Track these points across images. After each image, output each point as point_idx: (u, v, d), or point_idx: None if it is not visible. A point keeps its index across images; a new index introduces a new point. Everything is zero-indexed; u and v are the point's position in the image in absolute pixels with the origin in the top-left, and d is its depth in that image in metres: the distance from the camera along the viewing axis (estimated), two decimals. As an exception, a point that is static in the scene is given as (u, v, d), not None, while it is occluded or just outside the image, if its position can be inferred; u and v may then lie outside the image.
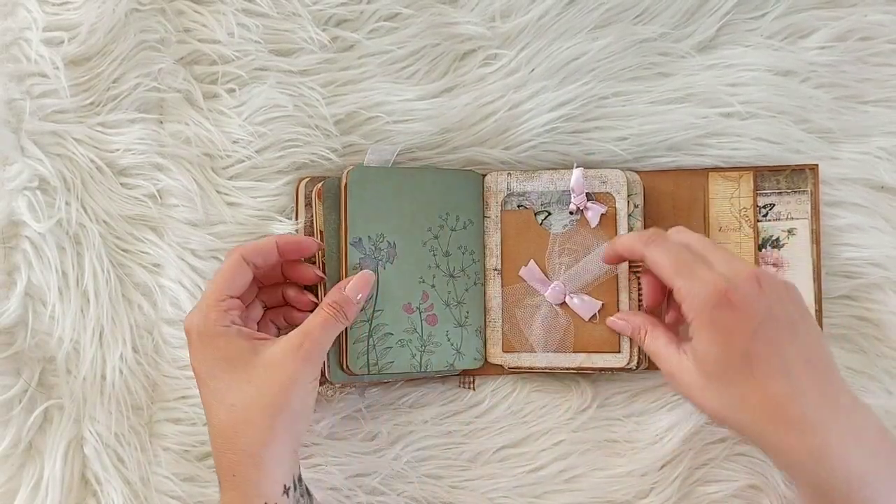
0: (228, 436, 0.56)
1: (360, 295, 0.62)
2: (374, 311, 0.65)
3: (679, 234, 0.60)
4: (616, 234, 0.65)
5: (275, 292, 0.65)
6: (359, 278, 0.62)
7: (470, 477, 0.68)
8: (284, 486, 0.56)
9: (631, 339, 0.65)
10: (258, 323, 0.64)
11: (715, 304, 0.54)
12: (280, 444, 0.56)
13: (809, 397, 0.52)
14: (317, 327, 0.59)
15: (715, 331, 0.54)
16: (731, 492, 0.68)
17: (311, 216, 0.66)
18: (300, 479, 0.59)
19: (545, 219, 0.67)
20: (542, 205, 0.67)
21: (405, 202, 0.66)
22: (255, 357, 0.57)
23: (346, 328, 0.63)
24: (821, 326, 0.66)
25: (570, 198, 0.66)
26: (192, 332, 0.58)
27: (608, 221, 0.66)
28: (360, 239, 0.64)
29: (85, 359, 0.65)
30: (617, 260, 0.64)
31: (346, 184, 0.64)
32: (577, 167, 0.66)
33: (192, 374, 0.60)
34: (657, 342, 0.59)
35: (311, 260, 0.64)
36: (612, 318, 0.64)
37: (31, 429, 0.65)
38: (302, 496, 0.59)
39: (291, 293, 0.65)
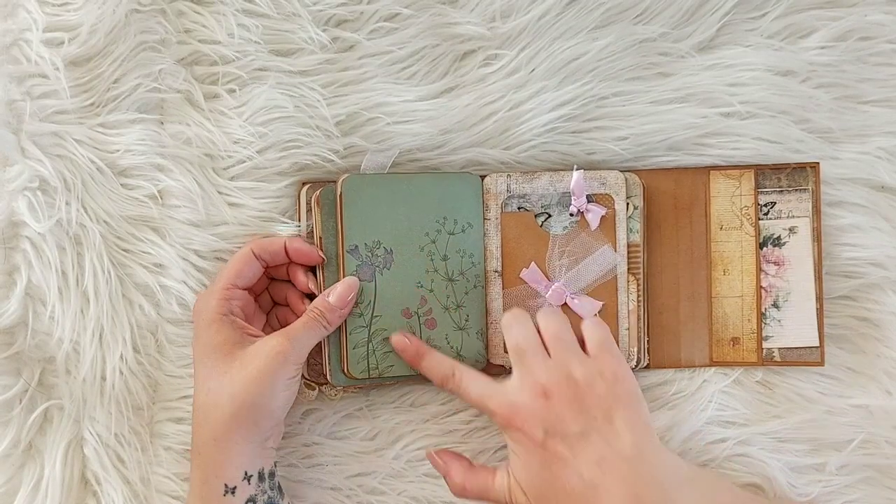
0: (200, 418, 0.61)
1: (346, 302, 0.63)
2: (372, 316, 0.65)
3: (541, 318, 0.64)
4: (615, 235, 0.65)
5: (283, 288, 0.67)
6: (343, 285, 0.64)
7: (470, 477, 0.68)
8: (246, 472, 0.60)
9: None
10: (267, 315, 0.68)
11: (506, 429, 0.61)
12: (241, 435, 0.60)
13: (610, 495, 0.57)
14: (298, 329, 0.62)
15: (515, 450, 0.60)
16: (731, 492, 0.68)
17: (312, 222, 0.66)
18: (272, 475, 0.62)
19: (545, 221, 0.67)
20: (542, 207, 0.67)
21: (401, 208, 0.66)
22: (239, 350, 0.60)
23: (347, 334, 0.64)
24: (821, 326, 0.66)
25: (571, 200, 0.66)
26: (195, 315, 0.63)
27: (608, 223, 0.66)
28: (356, 246, 0.65)
29: (85, 359, 0.65)
30: None
31: (340, 192, 0.64)
32: (577, 169, 0.66)
33: (192, 373, 0.63)
34: (476, 479, 0.63)
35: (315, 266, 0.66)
36: (433, 458, 0.65)
37: (31, 429, 0.65)
38: (271, 489, 0.62)
39: (292, 297, 0.66)
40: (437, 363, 0.64)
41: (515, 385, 0.61)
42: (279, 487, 0.63)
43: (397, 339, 0.65)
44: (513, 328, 0.63)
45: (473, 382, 0.62)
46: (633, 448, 0.59)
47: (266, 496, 0.61)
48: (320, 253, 0.64)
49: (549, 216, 0.67)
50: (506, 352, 0.67)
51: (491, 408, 0.61)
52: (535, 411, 0.59)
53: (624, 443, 0.59)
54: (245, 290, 0.64)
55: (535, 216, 0.67)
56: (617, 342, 0.66)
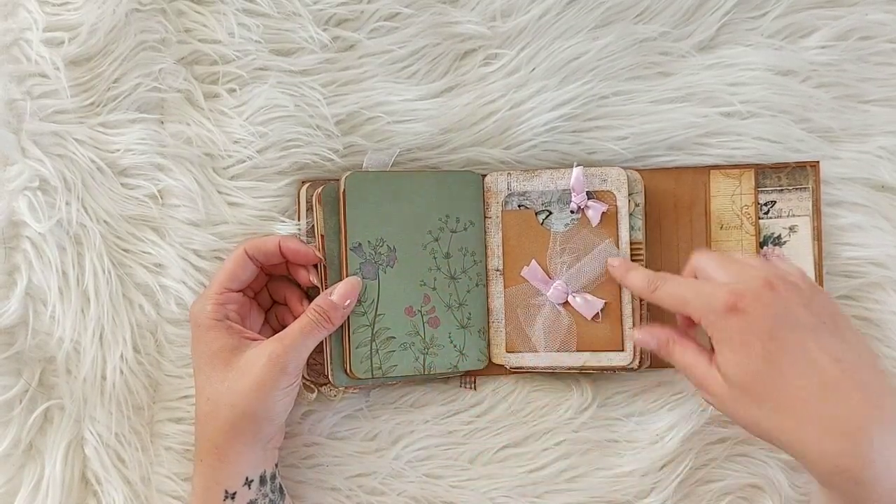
0: (201, 425, 0.61)
1: (348, 301, 0.63)
2: (375, 315, 0.65)
3: (698, 257, 0.58)
4: (617, 232, 0.65)
5: (282, 287, 0.66)
6: (346, 284, 0.63)
7: (470, 477, 0.68)
8: (247, 478, 0.60)
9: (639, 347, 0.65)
10: (266, 312, 0.67)
11: (724, 315, 0.52)
12: (241, 443, 0.60)
13: (848, 398, 0.49)
14: (296, 332, 0.61)
15: (731, 340, 0.52)
16: (731, 492, 0.68)
17: (313, 220, 0.66)
18: (273, 477, 0.62)
19: (546, 218, 0.67)
20: (542, 204, 0.67)
21: (404, 206, 0.66)
22: (236, 356, 0.60)
23: (350, 333, 0.64)
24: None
25: (571, 197, 0.66)
26: (192, 321, 0.62)
27: (609, 220, 0.66)
28: (359, 244, 0.64)
29: (85, 359, 0.65)
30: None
31: (343, 190, 0.64)
32: (577, 166, 0.66)
33: (193, 374, 0.63)
34: (685, 355, 0.57)
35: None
36: (636, 334, 0.60)
37: (32, 429, 0.65)
38: (273, 492, 0.62)
39: (291, 298, 0.66)
40: (637, 276, 0.60)
41: (734, 277, 0.54)
42: (280, 489, 0.63)
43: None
44: (663, 286, 0.58)
45: (675, 283, 0.57)
46: (867, 357, 0.52)
47: (267, 499, 0.61)
48: (317, 252, 0.64)
49: (550, 213, 0.67)
50: (508, 351, 0.67)
51: (702, 291, 0.54)
52: (764, 297, 0.52)
53: (858, 350, 0.52)
54: (240, 291, 0.64)
55: (536, 214, 0.67)
56: (620, 342, 0.66)
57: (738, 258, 0.58)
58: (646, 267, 0.66)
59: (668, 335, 0.58)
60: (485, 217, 0.68)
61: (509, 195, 0.68)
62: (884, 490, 0.48)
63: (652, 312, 0.67)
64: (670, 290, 0.57)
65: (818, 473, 0.50)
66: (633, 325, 0.65)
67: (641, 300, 0.66)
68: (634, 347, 0.65)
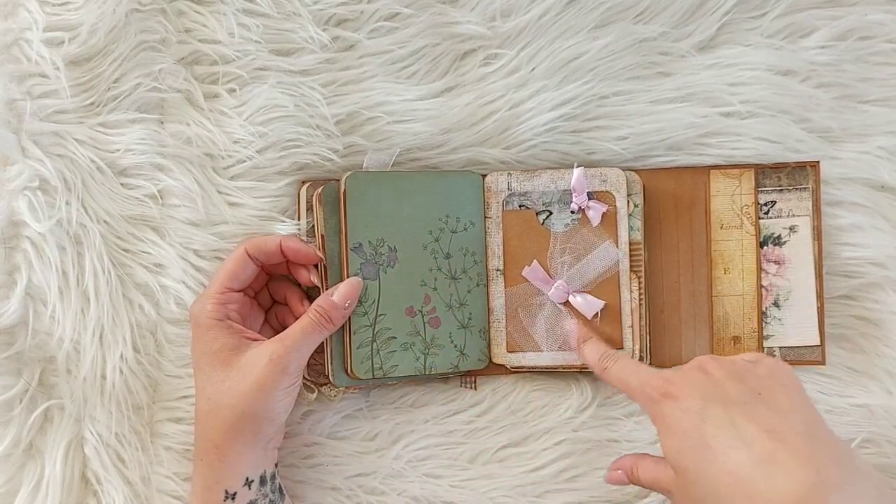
0: (201, 425, 0.60)
1: (349, 301, 0.63)
2: (376, 315, 0.65)
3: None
4: (616, 233, 0.65)
5: (282, 287, 0.66)
6: (347, 285, 0.63)
7: (470, 476, 0.68)
8: (247, 478, 0.60)
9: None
10: (266, 312, 0.67)
11: (659, 401, 0.52)
12: (242, 443, 0.60)
13: (788, 470, 0.46)
14: (297, 333, 0.61)
15: (667, 425, 0.51)
16: (732, 491, 0.68)
17: (313, 220, 0.66)
18: (273, 477, 0.62)
19: (546, 218, 0.67)
20: (543, 204, 0.67)
21: (404, 206, 0.66)
22: (237, 357, 0.60)
23: (351, 333, 0.64)
24: (822, 325, 0.66)
25: (571, 197, 0.66)
26: (192, 321, 0.62)
27: (609, 220, 0.66)
28: (360, 244, 0.64)
29: (85, 359, 0.65)
30: None
31: (344, 190, 0.64)
32: (577, 166, 0.66)
33: (193, 373, 0.63)
34: (647, 470, 0.56)
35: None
36: (609, 475, 0.59)
37: (32, 429, 0.65)
38: (273, 492, 0.62)
39: (291, 298, 0.66)
40: (591, 349, 0.62)
41: (667, 369, 0.55)
42: (280, 489, 0.63)
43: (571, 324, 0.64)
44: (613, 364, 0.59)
45: (620, 365, 0.58)
46: (805, 426, 0.49)
47: (267, 499, 0.61)
48: (318, 252, 0.64)
49: (551, 214, 0.67)
50: (509, 350, 0.67)
51: (640, 379, 0.54)
52: (693, 380, 0.52)
53: (794, 419, 0.49)
54: (241, 291, 0.64)
55: (537, 214, 0.67)
56: (620, 341, 0.66)
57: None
58: (645, 268, 0.66)
59: (632, 461, 0.57)
60: (485, 217, 0.68)
61: (510, 195, 0.68)
62: None
63: (652, 313, 0.67)
64: (616, 372, 0.58)
65: None
66: (632, 325, 0.65)
67: (641, 300, 0.66)
68: (634, 347, 0.65)
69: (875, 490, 0.47)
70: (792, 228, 0.67)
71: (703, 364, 0.53)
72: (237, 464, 0.60)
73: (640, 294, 0.66)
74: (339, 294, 0.62)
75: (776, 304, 0.67)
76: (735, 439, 0.48)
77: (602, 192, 0.66)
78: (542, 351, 0.67)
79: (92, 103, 0.66)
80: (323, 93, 0.67)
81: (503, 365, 0.68)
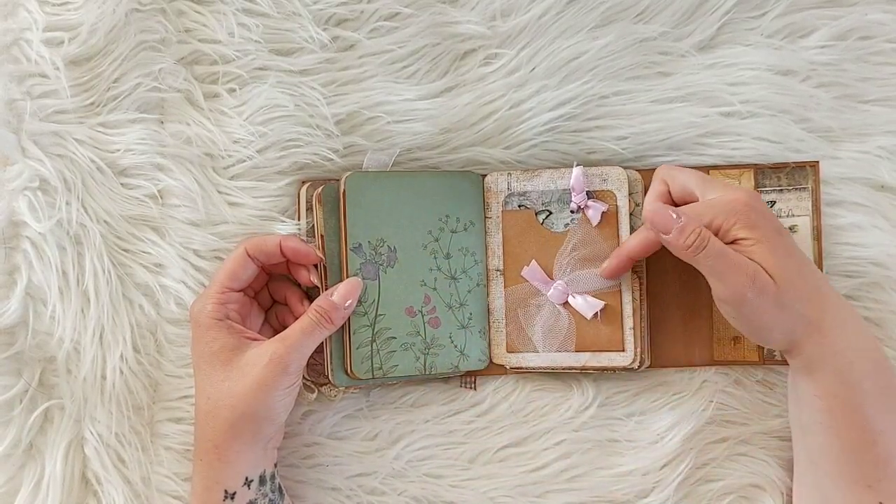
0: (201, 425, 0.60)
1: (349, 301, 0.63)
2: (376, 315, 0.65)
3: (666, 171, 0.63)
4: (617, 231, 0.65)
5: (282, 287, 0.66)
6: (347, 285, 0.63)
7: (471, 476, 0.68)
8: (247, 478, 0.60)
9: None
10: (266, 311, 0.67)
11: (746, 215, 0.57)
12: (241, 443, 0.60)
13: (829, 289, 0.59)
14: (297, 333, 0.61)
15: (761, 240, 0.56)
16: (731, 491, 0.68)
17: (313, 220, 0.66)
18: (273, 477, 0.62)
19: (546, 218, 0.67)
20: (542, 204, 0.67)
21: (404, 206, 0.66)
22: (237, 356, 0.60)
23: (351, 333, 0.64)
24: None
25: (571, 196, 0.66)
26: (192, 321, 0.62)
27: (609, 219, 0.66)
28: (359, 244, 0.64)
29: (85, 359, 0.65)
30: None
31: (343, 190, 0.64)
32: (576, 165, 0.66)
33: (193, 373, 0.63)
34: (720, 244, 0.57)
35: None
36: (647, 209, 0.60)
37: (32, 429, 0.65)
38: (272, 492, 0.62)
39: (291, 298, 0.66)
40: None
41: (728, 191, 0.59)
42: (279, 489, 0.63)
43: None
44: (678, 171, 0.62)
45: (680, 208, 0.59)
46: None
47: (266, 499, 0.61)
48: (318, 252, 0.64)
49: (550, 213, 0.67)
50: (508, 351, 0.67)
51: (727, 199, 0.58)
52: (764, 205, 0.59)
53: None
54: (241, 291, 0.64)
55: (536, 214, 0.67)
56: (620, 341, 0.66)
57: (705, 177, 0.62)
58: (645, 268, 0.66)
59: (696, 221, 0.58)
60: (485, 217, 0.68)
61: (509, 195, 0.68)
62: (835, 339, 0.57)
63: (652, 313, 0.67)
64: (686, 174, 0.62)
65: (790, 337, 0.58)
66: (633, 325, 0.65)
67: (641, 301, 0.66)
68: (635, 347, 0.65)
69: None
70: (792, 228, 0.67)
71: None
72: (237, 463, 0.60)
73: (640, 294, 0.66)
74: (339, 294, 0.62)
75: (776, 304, 0.67)
76: (798, 257, 0.59)
77: (603, 191, 0.66)
78: (539, 352, 0.67)
79: (92, 103, 0.66)
80: (323, 93, 0.67)
81: (503, 365, 0.68)
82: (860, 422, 0.56)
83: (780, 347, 0.59)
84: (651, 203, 0.60)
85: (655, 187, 0.63)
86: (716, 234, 0.57)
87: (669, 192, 0.62)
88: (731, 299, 0.57)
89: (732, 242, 0.57)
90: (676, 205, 0.61)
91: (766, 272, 0.56)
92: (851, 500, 0.57)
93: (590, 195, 0.66)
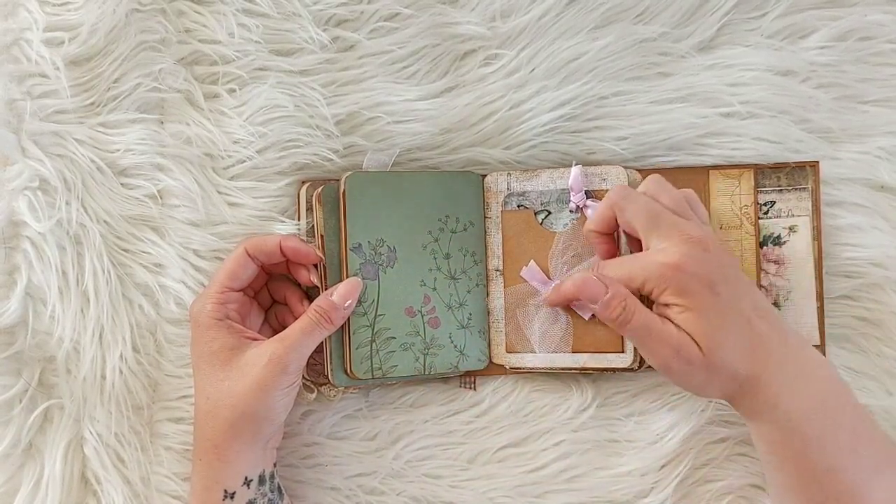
0: (201, 424, 0.60)
1: (349, 302, 0.63)
2: (376, 315, 0.65)
3: (653, 185, 0.61)
4: (618, 231, 0.65)
5: (282, 287, 0.66)
6: (346, 285, 0.63)
7: (470, 476, 0.68)
8: (246, 478, 0.60)
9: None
10: (266, 311, 0.67)
11: (672, 281, 0.56)
12: (241, 443, 0.60)
13: (769, 339, 0.57)
14: (296, 333, 0.61)
15: (689, 307, 0.56)
16: (731, 491, 0.68)
17: (313, 220, 0.66)
18: (272, 476, 0.62)
19: (545, 218, 0.67)
20: (541, 204, 0.67)
21: (404, 206, 0.66)
22: (237, 356, 0.60)
23: (350, 333, 0.64)
24: (822, 325, 0.66)
25: (570, 196, 0.66)
26: (191, 319, 0.62)
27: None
28: (359, 244, 0.65)
29: (85, 359, 0.65)
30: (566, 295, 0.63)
31: (344, 190, 0.64)
32: (575, 165, 0.66)
33: (192, 373, 0.63)
34: (645, 317, 0.58)
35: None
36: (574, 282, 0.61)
37: (32, 428, 0.65)
38: (272, 492, 0.62)
39: (291, 298, 0.66)
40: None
41: (668, 243, 0.58)
42: (279, 489, 0.63)
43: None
44: (629, 202, 0.60)
45: (613, 266, 0.60)
46: (767, 303, 0.60)
47: (266, 499, 0.61)
48: (318, 252, 0.64)
49: (549, 213, 0.67)
50: (508, 351, 0.67)
51: (659, 261, 0.57)
52: (702, 258, 0.57)
53: (764, 298, 0.60)
54: (241, 290, 0.64)
55: (535, 214, 0.67)
56: (621, 343, 0.65)
57: (664, 212, 0.60)
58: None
59: (626, 294, 0.59)
60: (485, 217, 0.68)
61: (509, 195, 0.68)
62: (770, 391, 0.56)
63: (652, 312, 0.67)
64: (609, 271, 0.60)
65: (726, 393, 0.58)
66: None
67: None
68: (634, 349, 0.65)
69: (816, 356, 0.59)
70: (791, 228, 0.67)
71: (704, 242, 0.58)
72: (236, 463, 0.60)
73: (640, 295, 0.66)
74: (339, 294, 0.62)
75: (776, 304, 0.67)
76: (737, 310, 0.57)
77: (603, 190, 0.66)
78: (536, 352, 0.67)
79: (92, 103, 0.66)
80: (323, 93, 0.67)
81: (503, 365, 0.68)
82: (804, 464, 0.56)
83: (720, 399, 0.60)
84: (581, 274, 0.60)
85: (601, 211, 0.62)
86: (648, 296, 0.58)
87: (615, 218, 0.61)
88: (658, 367, 0.58)
89: (665, 306, 0.57)
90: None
91: (695, 341, 0.56)
92: None
93: (589, 195, 0.66)
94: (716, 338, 0.56)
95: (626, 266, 0.59)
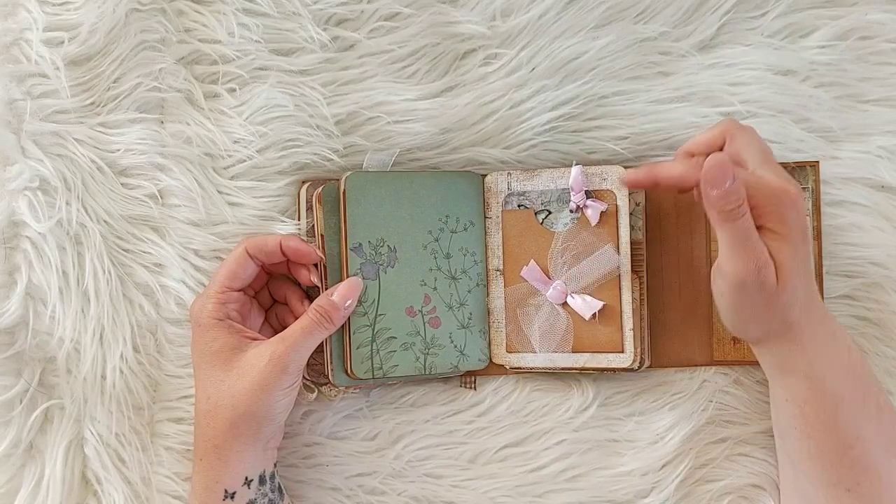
0: (201, 424, 0.60)
1: (349, 302, 0.63)
2: (376, 315, 0.65)
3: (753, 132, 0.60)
4: (617, 231, 0.65)
5: (282, 287, 0.66)
6: (347, 285, 0.63)
7: (471, 476, 0.68)
8: (246, 478, 0.60)
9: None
10: (266, 311, 0.67)
11: (779, 207, 0.55)
12: (241, 443, 0.60)
13: (818, 299, 0.58)
14: (297, 333, 0.61)
15: (784, 235, 0.55)
16: (731, 491, 0.68)
17: (313, 220, 0.66)
18: (272, 476, 0.62)
19: (546, 218, 0.67)
20: (542, 203, 0.67)
21: (404, 206, 0.66)
22: (237, 356, 0.60)
23: (351, 333, 0.64)
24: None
25: (570, 196, 0.66)
26: (192, 321, 0.62)
27: (609, 219, 0.66)
28: (360, 244, 0.64)
29: (85, 359, 0.65)
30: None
31: (344, 190, 0.64)
32: (575, 165, 0.66)
33: (193, 373, 0.63)
34: (752, 223, 0.55)
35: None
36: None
37: (32, 429, 0.65)
38: (272, 492, 0.62)
39: (291, 297, 0.66)
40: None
41: (785, 178, 0.56)
42: (279, 489, 0.63)
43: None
44: (743, 131, 0.59)
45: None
46: None
47: (266, 499, 0.61)
48: (318, 252, 0.64)
49: (550, 213, 0.67)
50: (508, 351, 0.67)
51: (778, 184, 0.55)
52: (804, 207, 0.57)
53: None
54: (241, 290, 0.64)
55: (536, 213, 0.67)
56: (620, 342, 0.65)
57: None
58: (646, 268, 0.66)
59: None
60: (485, 217, 0.68)
61: (509, 195, 0.68)
62: (811, 347, 0.57)
63: (652, 313, 0.67)
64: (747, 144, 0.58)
65: (765, 334, 0.58)
66: (633, 326, 0.65)
67: (641, 301, 0.66)
68: (634, 348, 0.65)
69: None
70: (792, 228, 0.66)
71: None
72: (237, 463, 0.60)
73: (640, 294, 0.66)
74: (339, 294, 0.62)
75: (776, 304, 0.67)
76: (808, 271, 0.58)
77: (603, 190, 0.66)
78: (536, 352, 0.67)
79: (92, 103, 0.66)
80: (323, 93, 0.67)
81: (503, 365, 0.68)
82: (834, 427, 0.56)
83: (750, 340, 0.60)
84: (716, 154, 0.54)
85: (709, 135, 0.60)
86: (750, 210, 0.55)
87: (721, 148, 0.59)
88: (730, 277, 0.55)
89: (759, 227, 0.55)
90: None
91: (776, 269, 0.55)
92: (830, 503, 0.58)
93: (589, 195, 0.66)
94: (794, 274, 0.55)
95: (744, 173, 0.56)
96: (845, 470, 0.57)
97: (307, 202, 0.66)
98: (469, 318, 0.67)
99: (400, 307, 0.65)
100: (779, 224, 0.55)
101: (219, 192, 0.67)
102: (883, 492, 0.57)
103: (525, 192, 0.67)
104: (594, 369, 0.66)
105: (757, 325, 0.57)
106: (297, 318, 0.62)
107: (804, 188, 0.66)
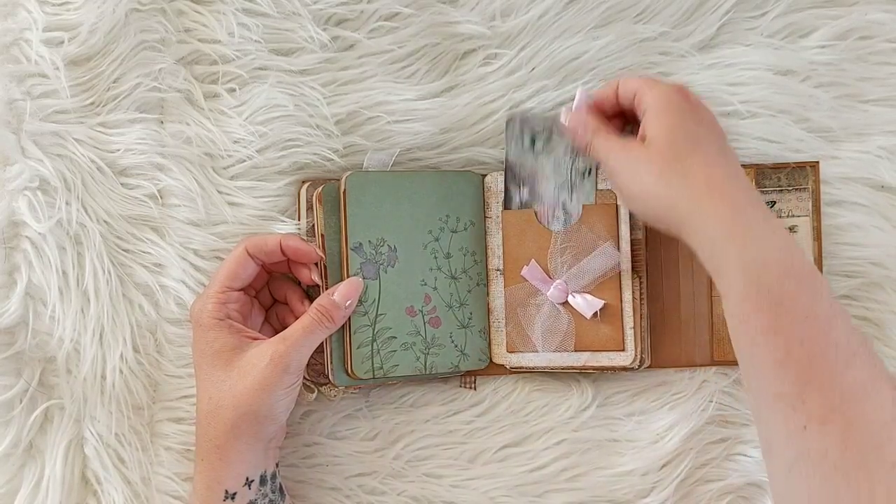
0: (203, 425, 0.60)
1: (350, 301, 0.63)
2: (377, 315, 0.65)
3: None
4: (618, 230, 0.65)
5: (283, 286, 0.66)
6: (347, 284, 0.63)
7: (471, 476, 0.68)
8: (247, 478, 0.60)
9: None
10: (267, 311, 0.67)
11: (674, 93, 0.57)
12: (243, 443, 0.59)
13: (741, 181, 0.55)
14: (298, 332, 0.61)
15: (671, 112, 0.56)
16: (731, 491, 0.68)
17: (313, 220, 0.66)
18: (273, 477, 0.62)
19: (545, 144, 0.66)
20: (543, 129, 0.66)
21: (404, 206, 0.66)
22: (238, 356, 0.60)
23: (351, 333, 0.64)
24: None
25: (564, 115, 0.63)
26: (193, 321, 0.62)
27: (610, 218, 0.66)
28: (360, 244, 0.65)
29: (85, 359, 0.65)
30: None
31: (344, 189, 0.64)
32: (580, 89, 0.63)
33: (193, 373, 0.63)
34: (610, 139, 0.59)
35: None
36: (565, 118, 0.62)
37: (32, 429, 0.65)
38: (273, 492, 0.62)
39: (292, 297, 0.66)
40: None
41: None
42: (281, 489, 0.63)
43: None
44: (627, 79, 0.61)
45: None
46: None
47: (267, 499, 0.61)
48: (319, 251, 0.64)
49: (550, 138, 0.66)
50: (508, 351, 0.67)
51: (666, 82, 0.59)
52: (701, 101, 0.59)
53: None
54: (241, 290, 0.63)
55: (533, 141, 0.66)
56: (621, 341, 0.65)
57: None
58: (647, 269, 0.66)
59: (593, 123, 0.60)
60: (485, 217, 0.68)
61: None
62: (765, 263, 0.51)
63: (652, 313, 0.67)
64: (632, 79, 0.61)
65: (703, 241, 0.55)
66: (634, 325, 0.65)
67: (641, 300, 0.66)
68: (635, 347, 0.65)
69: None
70: (792, 229, 0.67)
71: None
72: (238, 464, 0.60)
73: (640, 294, 0.66)
74: (340, 293, 0.62)
75: (776, 304, 0.67)
76: (718, 153, 0.57)
77: (603, 190, 0.66)
78: (538, 351, 0.67)
79: (92, 103, 0.66)
80: (323, 92, 0.67)
81: (503, 365, 0.68)
82: (790, 331, 0.49)
83: (664, 225, 0.57)
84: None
85: (601, 91, 0.62)
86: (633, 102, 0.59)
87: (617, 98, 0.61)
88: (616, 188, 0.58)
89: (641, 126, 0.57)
90: (623, 112, 0.62)
91: (648, 147, 0.56)
92: (779, 419, 0.49)
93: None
94: (669, 147, 0.55)
95: (607, 90, 0.61)
96: (789, 381, 0.49)
97: (307, 202, 0.66)
98: (469, 318, 0.67)
99: (400, 307, 0.65)
100: (640, 111, 0.58)
101: (219, 192, 0.67)
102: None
103: (526, 119, 0.67)
104: (595, 368, 0.66)
105: (653, 215, 0.57)
106: (297, 318, 0.62)
107: (804, 188, 0.67)
